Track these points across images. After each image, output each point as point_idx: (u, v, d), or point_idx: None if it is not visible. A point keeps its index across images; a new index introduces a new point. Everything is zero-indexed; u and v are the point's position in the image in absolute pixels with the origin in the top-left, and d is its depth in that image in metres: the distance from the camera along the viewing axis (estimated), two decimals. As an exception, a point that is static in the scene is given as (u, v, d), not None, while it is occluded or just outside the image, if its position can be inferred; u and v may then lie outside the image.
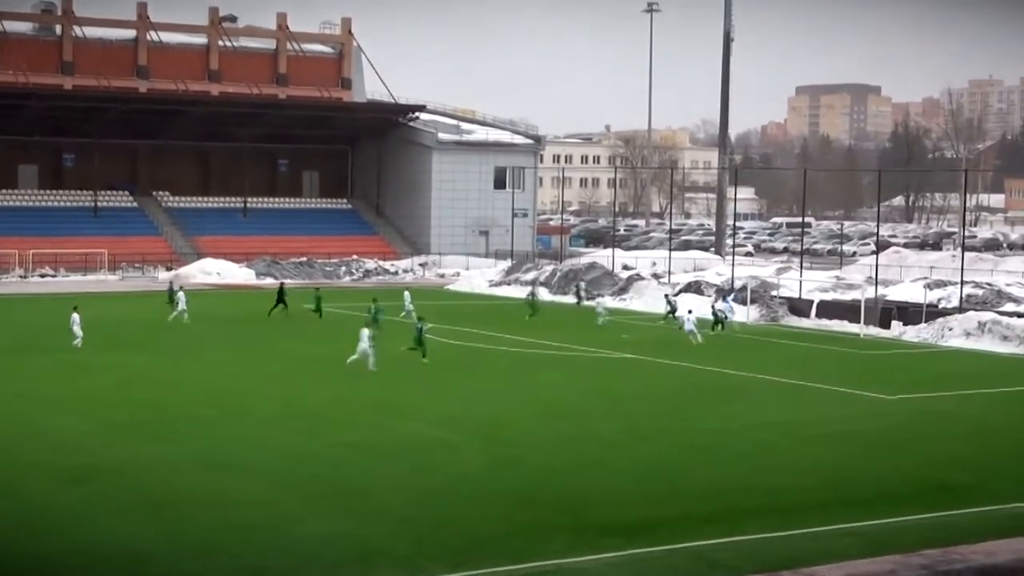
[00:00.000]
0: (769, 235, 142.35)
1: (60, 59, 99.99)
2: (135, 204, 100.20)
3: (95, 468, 28.61)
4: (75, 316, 48.68)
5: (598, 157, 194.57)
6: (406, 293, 62.64)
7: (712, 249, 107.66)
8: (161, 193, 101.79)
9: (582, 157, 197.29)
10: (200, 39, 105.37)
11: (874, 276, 67.75)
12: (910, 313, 59.48)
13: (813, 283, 69.99)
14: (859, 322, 59.12)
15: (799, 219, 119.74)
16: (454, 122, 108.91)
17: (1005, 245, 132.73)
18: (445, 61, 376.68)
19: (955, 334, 55.89)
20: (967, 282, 64.57)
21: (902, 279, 74.03)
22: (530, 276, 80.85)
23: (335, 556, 22.41)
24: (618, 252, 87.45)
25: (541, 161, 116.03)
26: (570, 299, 71.79)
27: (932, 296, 62.72)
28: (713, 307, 60.07)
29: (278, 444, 31.54)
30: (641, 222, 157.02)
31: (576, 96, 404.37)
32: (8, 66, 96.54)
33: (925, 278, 71.40)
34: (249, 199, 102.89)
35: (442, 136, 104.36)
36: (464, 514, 25.20)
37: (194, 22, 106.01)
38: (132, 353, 48.09)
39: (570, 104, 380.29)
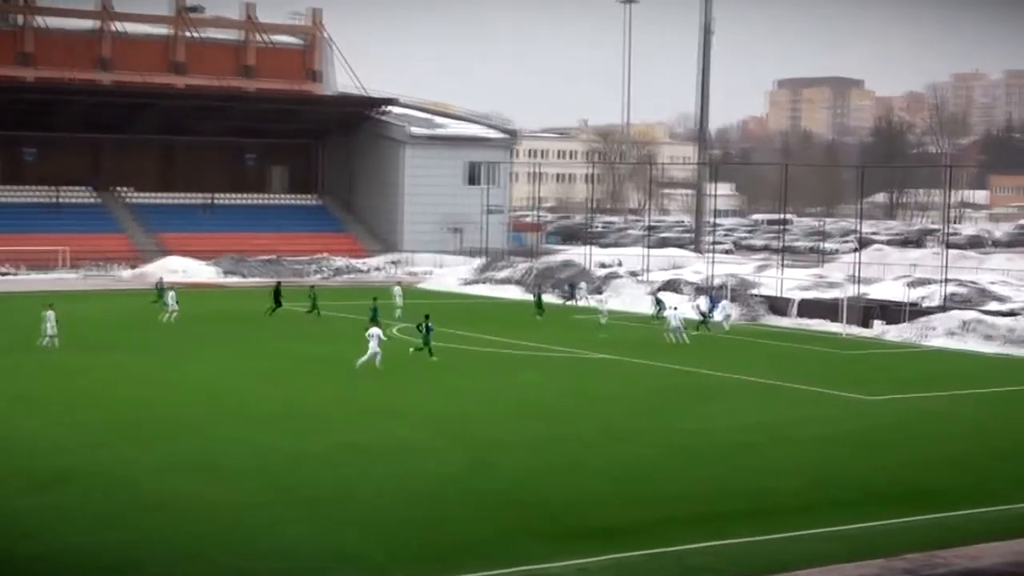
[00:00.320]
0: (749, 232, 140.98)
1: (21, 50, 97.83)
2: (97, 200, 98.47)
3: (73, 470, 28.25)
4: (50, 314, 47.74)
5: (574, 152, 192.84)
6: (397, 288, 62.40)
7: (691, 246, 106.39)
8: (124, 189, 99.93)
9: (558, 152, 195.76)
10: (165, 30, 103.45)
11: (855, 274, 67.01)
12: (892, 312, 59.45)
13: (793, 281, 70.22)
14: (840, 321, 59.04)
15: (779, 216, 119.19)
16: (426, 116, 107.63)
17: (989, 242, 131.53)
18: (418, 54, 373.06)
19: (938, 333, 56.08)
20: (950, 280, 64.15)
21: (884, 277, 73.51)
22: (503, 274, 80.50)
23: (311, 561, 22.18)
24: (594, 250, 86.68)
25: (515, 156, 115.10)
26: (555, 299, 69.88)
27: (914, 295, 62.57)
28: (698, 307, 59.85)
29: (256, 446, 31.21)
30: (618, 219, 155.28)
31: (552, 90, 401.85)
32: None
33: (907, 276, 70.81)
34: (215, 195, 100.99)
35: (414, 130, 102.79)
36: (442, 517, 25.00)
37: (159, 12, 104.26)
38: (107, 353, 47.68)
39: (546, 98, 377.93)
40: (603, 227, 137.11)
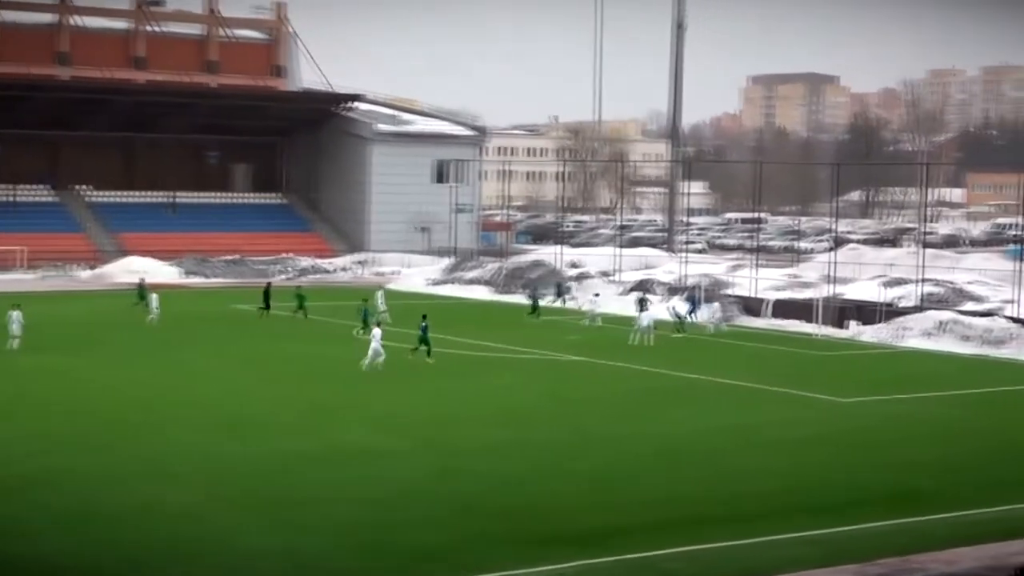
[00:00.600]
0: (722, 231, 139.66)
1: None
2: (55, 199, 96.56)
3: (23, 478, 27.79)
4: (16, 314, 47.26)
5: (544, 149, 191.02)
6: (379, 292, 61.72)
7: (663, 246, 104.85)
8: (83, 187, 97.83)
9: (527, 149, 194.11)
10: (125, 24, 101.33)
11: (830, 274, 66.50)
12: (867, 312, 59.45)
13: (767, 281, 70.04)
14: (814, 322, 58.81)
15: (753, 214, 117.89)
16: (393, 112, 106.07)
17: (966, 241, 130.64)
18: (385, 49, 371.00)
19: (913, 334, 56.17)
20: (926, 280, 63.95)
21: (859, 277, 72.76)
22: (472, 274, 79.92)
23: (270, 571, 21.82)
24: (565, 249, 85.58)
25: (485, 153, 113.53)
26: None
27: (890, 295, 62.58)
28: (673, 308, 59.60)
29: (213, 451, 30.82)
30: (589, 218, 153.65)
31: (522, 86, 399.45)
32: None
33: (883, 276, 70.19)
34: (177, 193, 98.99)
35: (380, 127, 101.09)
36: (408, 524, 24.55)
37: (119, 6, 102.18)
38: (66, 356, 46.98)
39: (515, 94, 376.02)
40: (574, 226, 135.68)
